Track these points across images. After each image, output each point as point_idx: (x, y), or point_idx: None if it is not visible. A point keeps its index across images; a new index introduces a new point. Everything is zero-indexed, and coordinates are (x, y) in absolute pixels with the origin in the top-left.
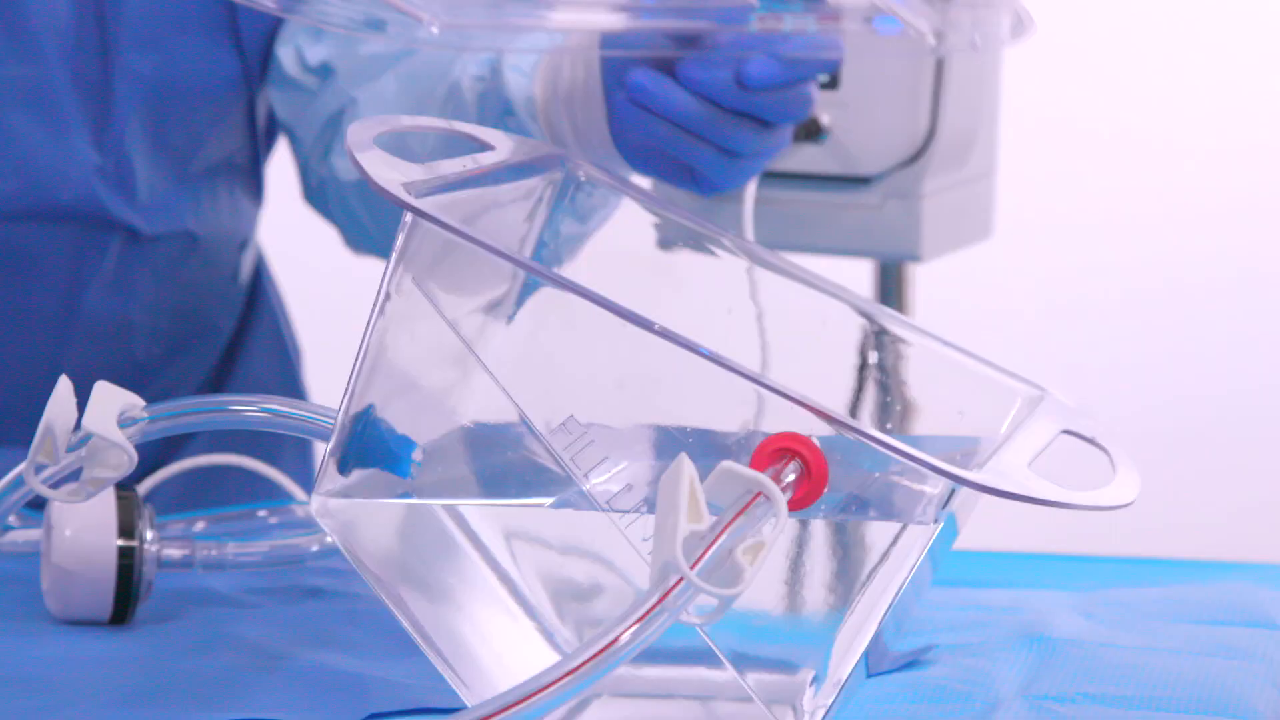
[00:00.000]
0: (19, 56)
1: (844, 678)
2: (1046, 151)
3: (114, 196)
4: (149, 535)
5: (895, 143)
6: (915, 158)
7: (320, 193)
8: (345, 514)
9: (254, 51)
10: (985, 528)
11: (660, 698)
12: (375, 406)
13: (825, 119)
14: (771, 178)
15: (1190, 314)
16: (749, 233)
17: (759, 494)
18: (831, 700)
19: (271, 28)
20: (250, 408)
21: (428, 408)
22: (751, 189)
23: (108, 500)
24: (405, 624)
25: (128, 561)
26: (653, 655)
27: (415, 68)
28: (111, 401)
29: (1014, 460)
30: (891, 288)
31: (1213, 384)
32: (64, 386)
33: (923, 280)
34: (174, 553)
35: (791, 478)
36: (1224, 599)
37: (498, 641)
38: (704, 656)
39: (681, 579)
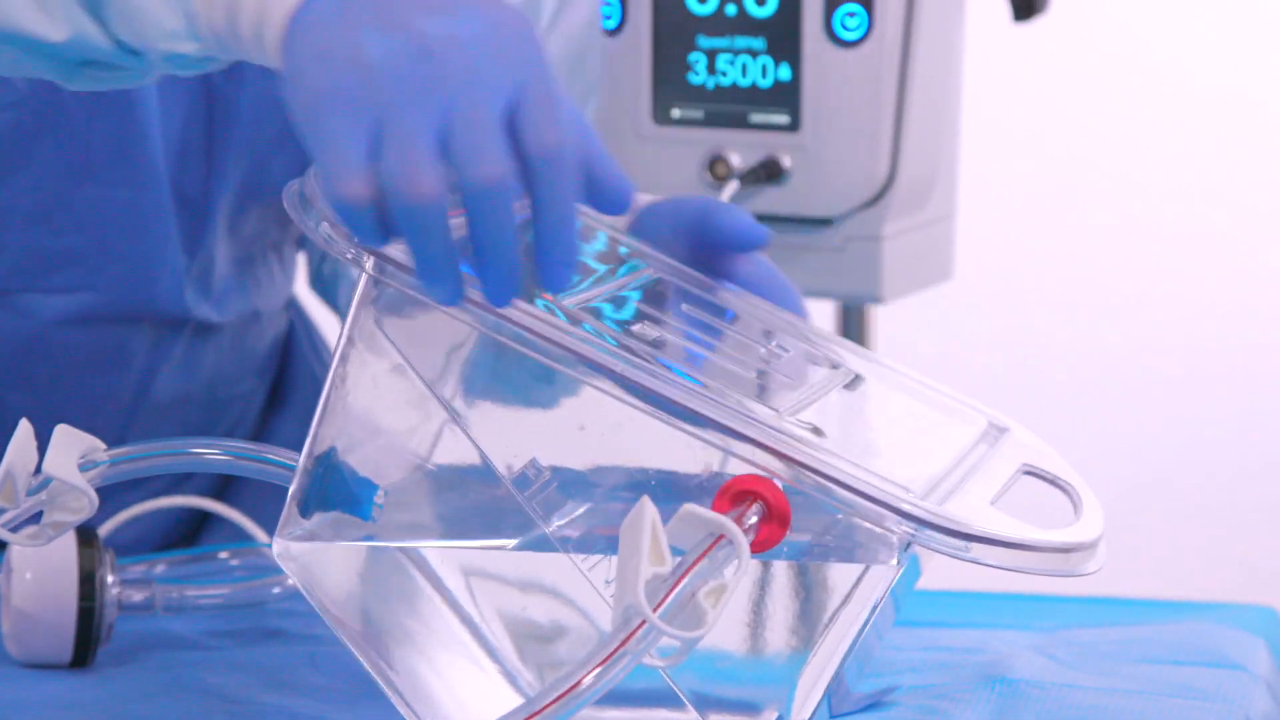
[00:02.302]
0: (130, 182)
1: (807, 719)
2: (1007, 193)
3: (195, 295)
4: (110, 578)
5: (856, 185)
6: (876, 200)
7: (331, 283)
8: (307, 557)
9: None
10: (946, 566)
11: None
12: (337, 450)
13: (786, 161)
14: None
15: (1154, 355)
16: None
17: (721, 536)
18: None
19: None
20: (211, 450)
21: (390, 450)
22: None
23: (68, 543)
24: (368, 667)
25: (88, 604)
26: (616, 698)
27: None
28: (72, 444)
29: (975, 500)
30: (853, 328)
31: (1177, 424)
32: (24, 430)
33: (884, 321)
34: (135, 595)
35: (754, 520)
36: (1185, 639)
37: (460, 685)
38: (667, 699)
39: (644, 622)
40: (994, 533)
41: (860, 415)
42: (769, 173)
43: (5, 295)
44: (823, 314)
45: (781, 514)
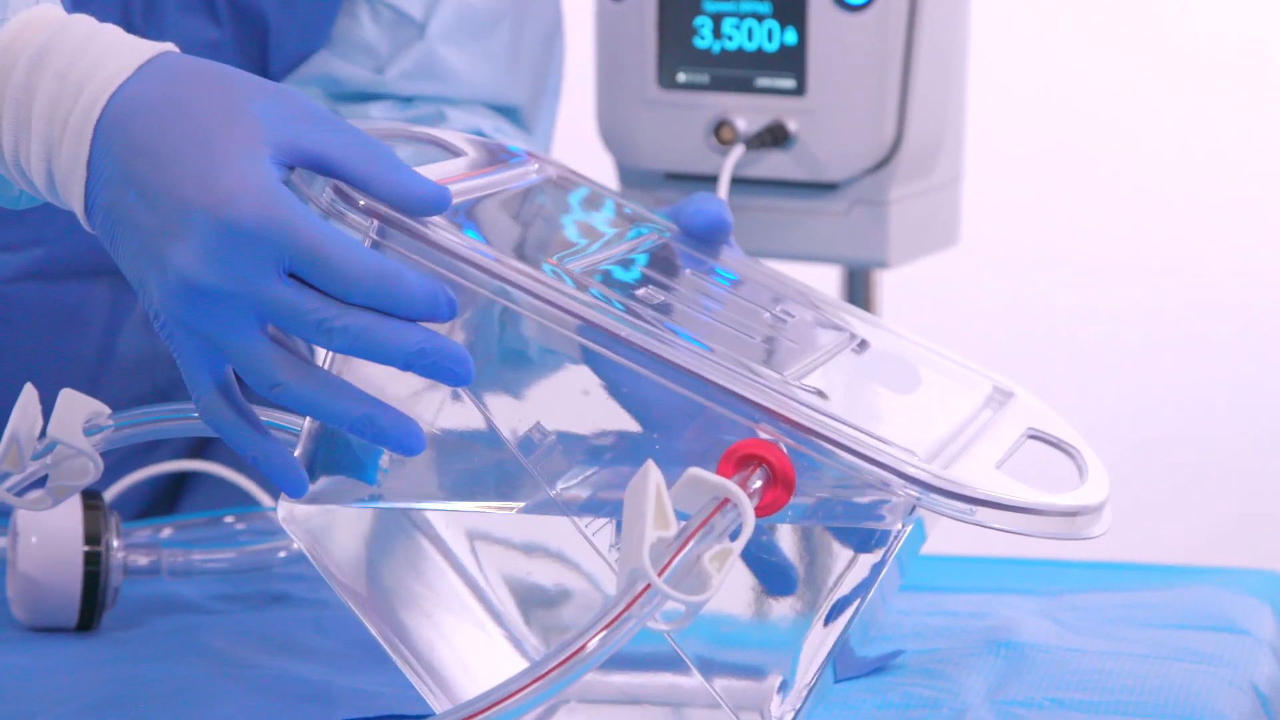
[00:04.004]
0: None
1: (811, 682)
2: (1013, 158)
3: None
4: (115, 542)
5: (862, 149)
6: (882, 164)
7: None
8: (312, 521)
9: None
10: (951, 532)
11: (628, 704)
12: None
13: (792, 125)
14: (739, 184)
15: (1159, 319)
16: None
17: (726, 501)
18: (799, 706)
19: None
20: None
21: None
22: (722, 195)
23: (74, 507)
24: (374, 632)
25: (94, 568)
26: (620, 662)
27: None
28: (77, 409)
29: (980, 464)
30: (859, 294)
31: (1180, 389)
32: (28, 394)
33: (890, 286)
34: (140, 559)
35: (758, 484)
36: (1190, 604)
37: (466, 649)
38: (672, 663)
39: (649, 586)
40: (999, 496)
41: (866, 380)
42: (775, 137)
43: None
44: (828, 279)
45: (786, 478)
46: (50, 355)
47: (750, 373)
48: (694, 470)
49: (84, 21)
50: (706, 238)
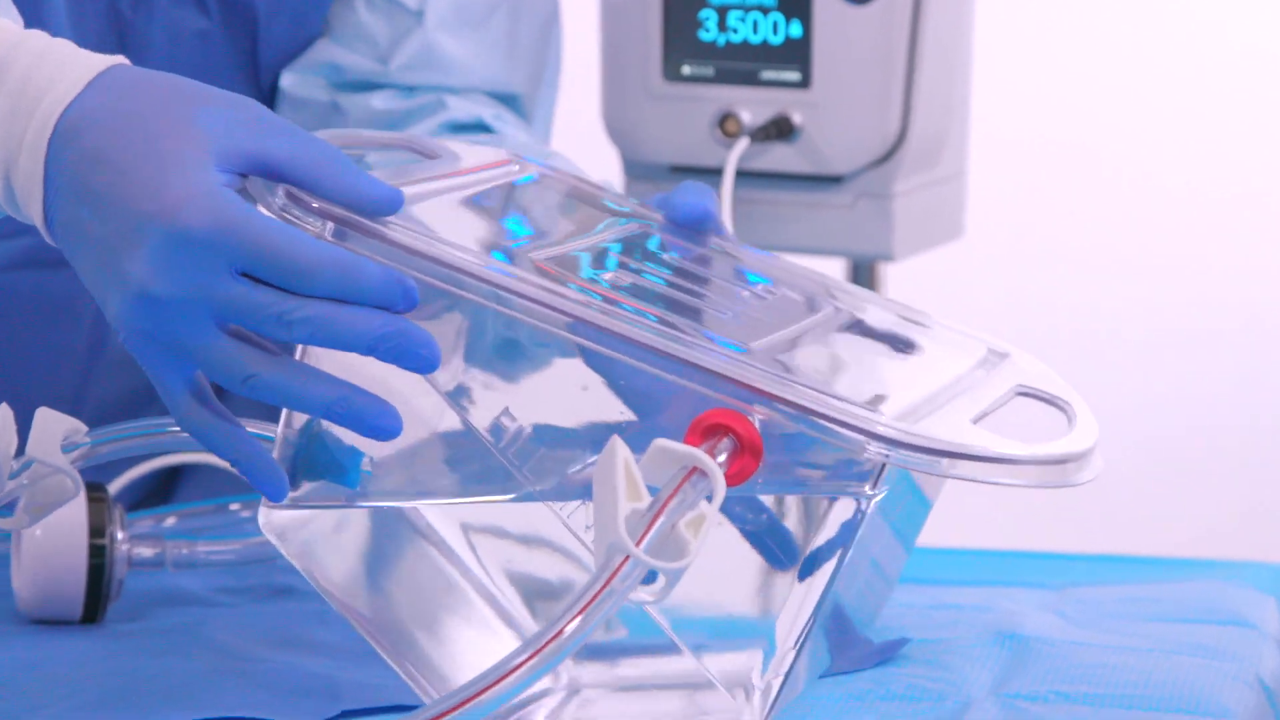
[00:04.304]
0: None
1: (794, 646)
2: (1018, 151)
3: None
4: (120, 534)
5: (867, 142)
6: (887, 157)
7: None
8: (293, 527)
9: (270, 86)
10: (954, 524)
11: (640, 689)
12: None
13: (797, 118)
14: (744, 177)
15: (1163, 314)
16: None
17: (695, 469)
18: (784, 671)
19: (286, 62)
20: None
21: None
22: (726, 189)
23: (78, 499)
24: (365, 633)
25: (99, 561)
26: (606, 651)
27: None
28: (54, 427)
29: (956, 418)
30: (863, 286)
31: (1185, 383)
32: (3, 414)
33: (894, 279)
34: (145, 551)
35: (724, 456)
36: (1195, 597)
37: (468, 649)
38: (659, 648)
39: (628, 557)
40: (973, 448)
41: (849, 350)
42: (780, 130)
43: None
44: (833, 272)
45: (753, 446)
46: (42, 347)
47: (712, 345)
48: (660, 441)
49: (38, 38)
50: (693, 227)
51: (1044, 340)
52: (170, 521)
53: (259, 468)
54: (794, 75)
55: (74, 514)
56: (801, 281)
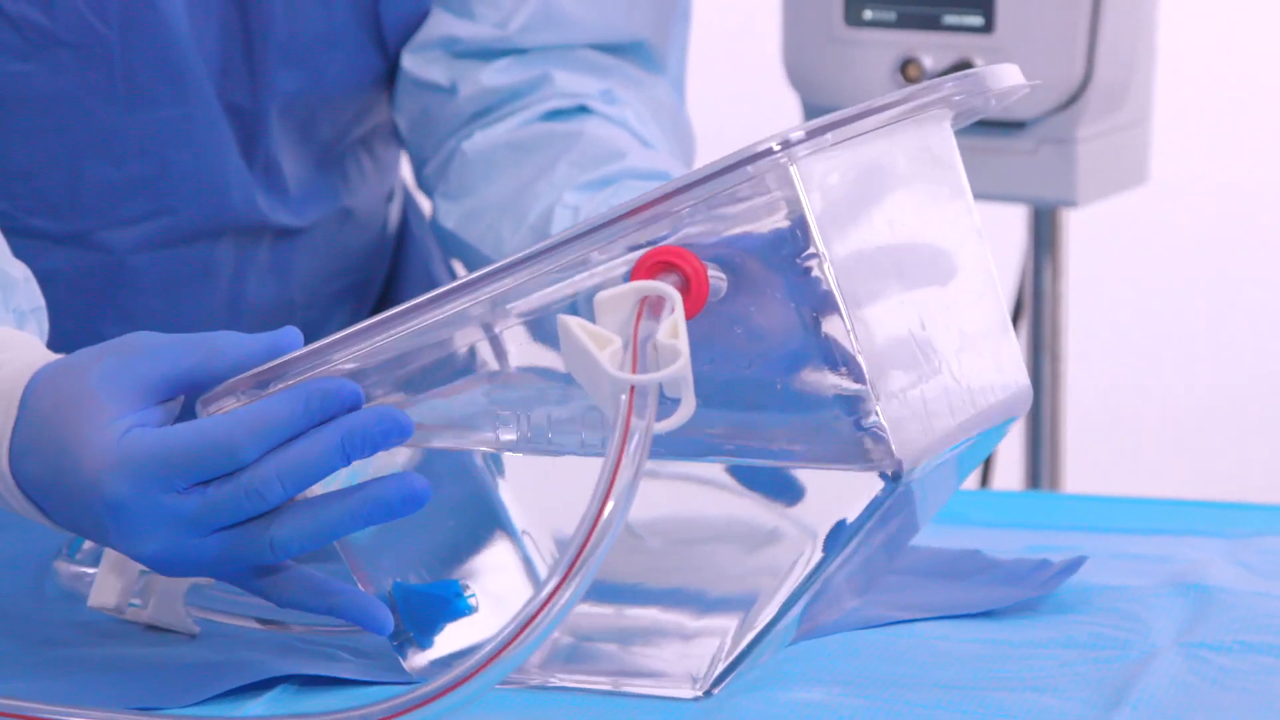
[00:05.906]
0: (177, 101)
1: (763, 609)
2: (1203, 96)
3: (270, 201)
4: None
5: (1050, 87)
6: (1070, 102)
7: (433, 182)
8: None
9: (397, 50)
10: (1133, 475)
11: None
12: None
13: (979, 63)
14: None
15: None
16: None
17: (646, 297)
18: (750, 639)
19: (413, 25)
20: None
21: None
22: None
23: None
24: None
25: None
26: (608, 595)
27: (527, 140)
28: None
29: None
30: (1046, 233)
31: None
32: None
33: (1077, 225)
34: None
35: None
36: None
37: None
38: (658, 597)
39: (632, 386)
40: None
41: None
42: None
43: (86, 235)
44: (1015, 218)
45: (699, 284)
46: (179, 312)
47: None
48: (602, 292)
49: None
50: None
51: (1227, 286)
52: None
53: (358, 608)
54: (976, 19)
55: None
56: None
